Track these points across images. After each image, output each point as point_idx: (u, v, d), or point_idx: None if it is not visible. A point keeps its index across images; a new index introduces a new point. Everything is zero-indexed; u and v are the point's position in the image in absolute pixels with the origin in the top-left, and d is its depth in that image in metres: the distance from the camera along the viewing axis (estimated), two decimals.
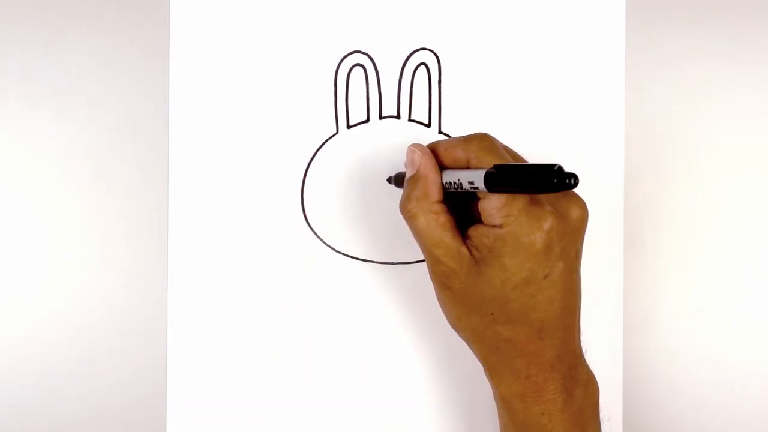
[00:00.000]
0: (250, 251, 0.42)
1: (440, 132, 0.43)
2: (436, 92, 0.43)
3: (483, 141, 0.34)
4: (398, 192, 0.42)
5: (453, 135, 0.43)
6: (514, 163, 0.33)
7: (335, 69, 0.42)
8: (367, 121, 0.43)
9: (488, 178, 0.31)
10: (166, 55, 0.42)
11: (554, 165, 0.29)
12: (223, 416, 0.42)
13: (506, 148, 0.35)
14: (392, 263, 0.43)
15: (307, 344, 0.42)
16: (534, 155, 0.42)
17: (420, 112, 0.43)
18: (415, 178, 0.35)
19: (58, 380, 0.42)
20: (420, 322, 0.43)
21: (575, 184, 0.29)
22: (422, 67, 0.43)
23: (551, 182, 0.28)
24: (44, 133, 0.42)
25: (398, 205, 0.36)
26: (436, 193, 0.34)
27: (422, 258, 0.42)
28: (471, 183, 0.32)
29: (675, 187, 0.43)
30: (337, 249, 0.43)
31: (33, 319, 0.42)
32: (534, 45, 0.43)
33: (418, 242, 0.35)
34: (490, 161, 0.32)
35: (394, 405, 0.43)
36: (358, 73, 0.42)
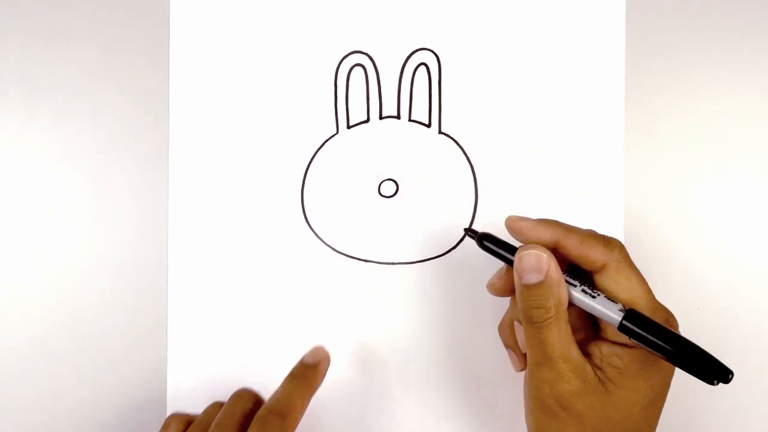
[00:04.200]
0: (251, 251, 0.42)
1: (440, 132, 0.43)
2: (436, 92, 0.43)
3: (623, 251, 0.32)
4: (400, 193, 0.42)
5: (453, 135, 0.43)
6: (655, 301, 0.32)
7: (335, 69, 0.42)
8: (367, 121, 0.43)
9: (632, 333, 0.30)
10: (166, 55, 0.42)
11: (726, 369, 0.28)
12: None
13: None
14: (392, 263, 0.43)
15: (307, 344, 0.42)
16: (535, 155, 0.42)
17: (420, 112, 0.43)
18: (547, 284, 0.31)
19: (58, 380, 0.42)
20: (420, 322, 0.43)
21: (729, 381, 0.28)
22: (422, 67, 0.43)
23: (710, 377, 0.28)
24: (44, 133, 0.42)
25: (521, 312, 0.32)
26: (567, 302, 0.32)
27: (422, 258, 0.42)
28: (605, 312, 0.31)
29: (675, 187, 0.43)
30: (337, 249, 0.43)
31: (32, 319, 0.42)
32: (534, 45, 0.43)
33: (537, 359, 0.32)
34: (630, 287, 0.31)
35: (396, 405, 0.43)
36: (358, 73, 0.42)
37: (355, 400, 0.43)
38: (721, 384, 0.28)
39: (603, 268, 0.32)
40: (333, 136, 0.42)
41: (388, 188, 0.42)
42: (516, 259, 0.32)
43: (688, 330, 0.43)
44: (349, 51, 0.42)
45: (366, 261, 0.43)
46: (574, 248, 0.32)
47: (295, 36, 0.42)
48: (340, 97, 0.42)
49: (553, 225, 0.33)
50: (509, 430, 0.42)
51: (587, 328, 0.34)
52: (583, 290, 0.32)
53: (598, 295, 0.32)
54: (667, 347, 0.29)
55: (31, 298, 0.42)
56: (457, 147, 0.42)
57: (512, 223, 0.34)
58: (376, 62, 0.42)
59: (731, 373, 0.28)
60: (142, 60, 0.42)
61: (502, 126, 0.43)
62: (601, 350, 0.31)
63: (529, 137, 0.43)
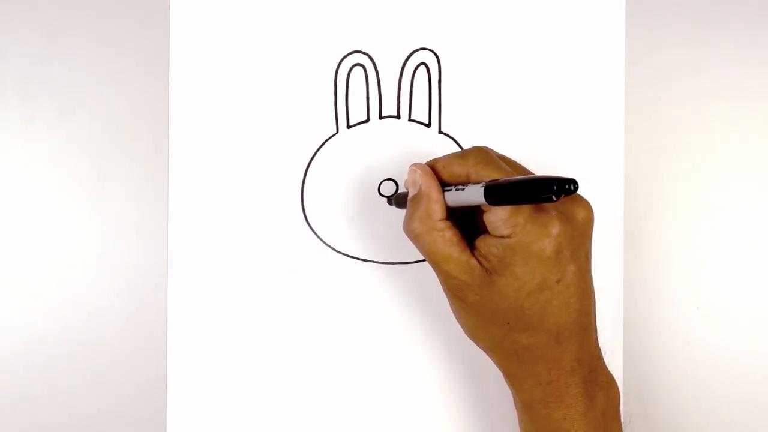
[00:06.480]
0: (251, 251, 0.42)
1: (440, 132, 0.43)
2: (436, 92, 0.43)
3: (479, 155, 0.34)
4: (400, 192, 0.42)
5: (453, 135, 0.43)
6: (512, 174, 0.33)
7: (335, 69, 0.42)
8: (367, 121, 0.43)
9: (488, 193, 0.31)
10: (166, 55, 0.42)
11: (551, 177, 0.29)
12: (223, 416, 0.42)
13: (504, 158, 0.35)
14: (392, 263, 0.43)
15: (307, 344, 0.42)
16: (534, 155, 0.42)
17: (420, 112, 0.43)
18: (417, 197, 0.35)
19: (58, 381, 0.42)
20: (420, 321, 0.43)
21: (575, 190, 0.29)
22: (422, 67, 0.43)
23: (551, 193, 0.28)
24: (44, 133, 0.42)
25: (402, 226, 0.36)
26: (439, 212, 0.34)
27: (422, 258, 0.42)
28: (473, 198, 0.32)
29: (675, 187, 0.43)
30: (337, 249, 0.43)
31: (32, 320, 0.42)
32: (534, 45, 0.43)
33: (427, 260, 0.35)
34: (489, 174, 0.32)
35: (396, 405, 0.43)
36: (358, 73, 0.42)
37: (355, 399, 0.43)
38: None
39: (468, 179, 0.34)
40: (333, 135, 0.42)
41: (388, 188, 0.42)
42: None
43: (688, 330, 0.43)
44: (349, 51, 0.42)
45: (366, 261, 0.43)
46: (442, 173, 0.35)
47: (295, 36, 0.42)
48: (340, 96, 0.42)
49: (429, 164, 0.36)
50: (510, 429, 0.42)
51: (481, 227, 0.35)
52: (455, 191, 0.34)
53: (465, 188, 0.33)
54: (520, 189, 0.30)
55: (31, 299, 0.42)
56: (457, 147, 0.43)
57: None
58: (376, 62, 0.42)
59: (573, 183, 0.28)
60: (142, 60, 0.42)
61: (502, 126, 0.43)
62: (485, 242, 0.33)
63: (529, 137, 0.43)
